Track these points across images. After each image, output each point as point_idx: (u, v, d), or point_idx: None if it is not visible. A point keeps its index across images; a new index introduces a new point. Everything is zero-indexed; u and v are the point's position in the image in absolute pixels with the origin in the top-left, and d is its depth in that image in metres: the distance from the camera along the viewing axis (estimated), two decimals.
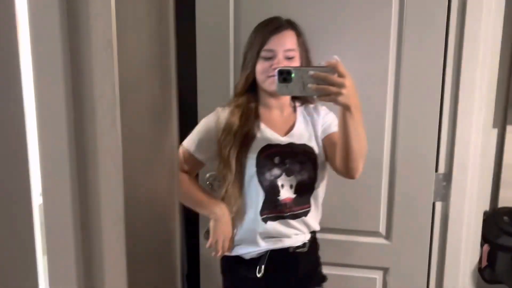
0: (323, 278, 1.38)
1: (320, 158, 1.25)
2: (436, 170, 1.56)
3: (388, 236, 1.58)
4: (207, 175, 1.62)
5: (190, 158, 1.27)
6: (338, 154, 1.15)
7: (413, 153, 1.48)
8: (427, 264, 1.59)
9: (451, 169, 1.55)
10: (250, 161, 1.21)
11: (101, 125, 0.50)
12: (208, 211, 1.24)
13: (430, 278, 1.62)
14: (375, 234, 1.58)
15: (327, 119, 1.28)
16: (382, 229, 1.58)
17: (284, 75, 1.04)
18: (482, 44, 1.47)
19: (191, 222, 1.71)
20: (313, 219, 1.29)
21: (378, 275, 1.61)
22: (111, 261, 0.55)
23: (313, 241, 1.34)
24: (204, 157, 1.27)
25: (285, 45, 1.19)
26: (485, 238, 1.71)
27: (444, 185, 1.57)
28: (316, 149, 1.25)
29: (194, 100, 1.59)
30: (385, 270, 1.61)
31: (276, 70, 1.05)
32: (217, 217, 1.22)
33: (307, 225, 1.27)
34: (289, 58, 1.19)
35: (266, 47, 1.19)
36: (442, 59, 1.47)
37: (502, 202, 1.96)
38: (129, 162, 0.54)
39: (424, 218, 1.56)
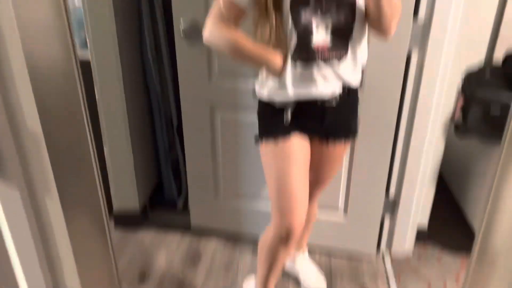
0: (352, 133, 1.39)
1: (359, 4, 1.20)
2: (416, 15, 1.51)
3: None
4: None
5: (229, 5, 1.21)
6: (371, 14, 1.18)
7: None
8: (397, 110, 1.64)
9: (432, 16, 1.50)
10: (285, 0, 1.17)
11: None
12: (265, 61, 1.22)
13: (400, 124, 1.69)
14: None
15: None
16: None
17: None
18: None
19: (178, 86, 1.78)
20: (347, 70, 1.25)
21: None
22: None
23: (347, 98, 1.30)
24: (243, 1, 1.20)
25: None
26: (464, 92, 1.70)
27: (422, 31, 1.53)
28: None
29: None
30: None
31: None
32: (275, 67, 1.22)
33: (338, 75, 1.24)
34: None
35: None
36: None
37: (497, 59, 1.91)
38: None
39: (399, 64, 1.56)
